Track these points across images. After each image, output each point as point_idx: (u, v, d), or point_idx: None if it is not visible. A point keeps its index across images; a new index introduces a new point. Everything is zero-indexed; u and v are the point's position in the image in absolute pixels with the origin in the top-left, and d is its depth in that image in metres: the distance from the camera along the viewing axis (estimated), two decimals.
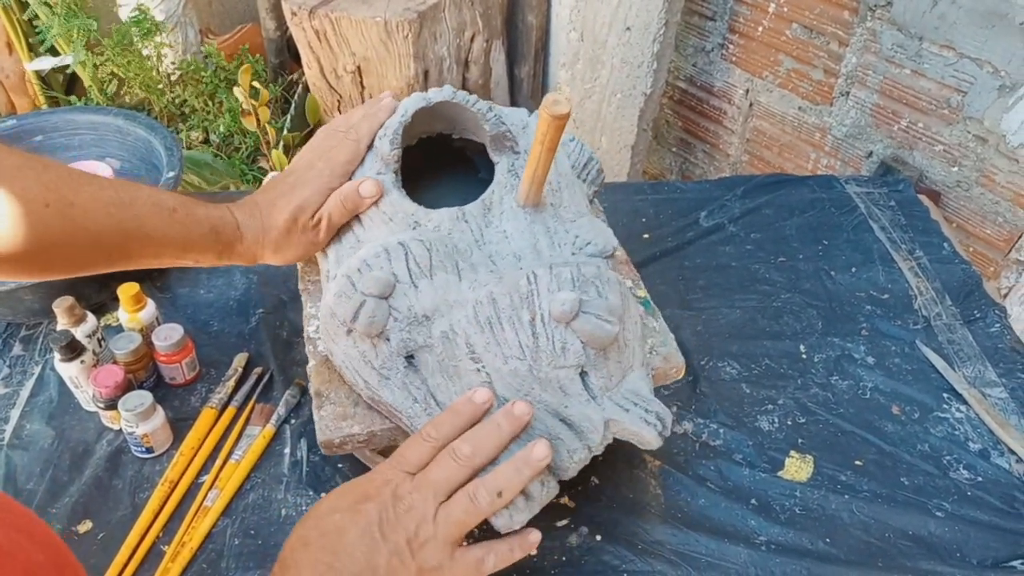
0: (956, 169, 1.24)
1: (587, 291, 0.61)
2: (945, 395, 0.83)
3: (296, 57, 1.86)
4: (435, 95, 0.70)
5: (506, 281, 0.62)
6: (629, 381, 0.63)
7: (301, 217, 0.68)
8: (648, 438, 0.60)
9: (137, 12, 1.89)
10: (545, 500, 0.58)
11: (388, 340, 0.61)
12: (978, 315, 0.92)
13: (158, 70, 1.97)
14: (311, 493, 0.71)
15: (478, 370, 0.60)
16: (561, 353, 0.60)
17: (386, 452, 0.69)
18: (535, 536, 0.57)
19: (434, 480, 0.54)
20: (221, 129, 2.00)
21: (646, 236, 1.03)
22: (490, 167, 0.71)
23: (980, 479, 0.75)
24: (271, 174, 0.78)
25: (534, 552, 0.57)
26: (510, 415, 0.56)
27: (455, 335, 0.60)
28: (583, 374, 0.61)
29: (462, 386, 0.60)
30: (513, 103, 1.85)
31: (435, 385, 0.61)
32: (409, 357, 0.62)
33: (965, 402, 0.82)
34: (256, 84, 1.60)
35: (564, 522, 0.70)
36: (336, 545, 0.51)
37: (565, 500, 0.71)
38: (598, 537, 0.68)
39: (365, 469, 0.71)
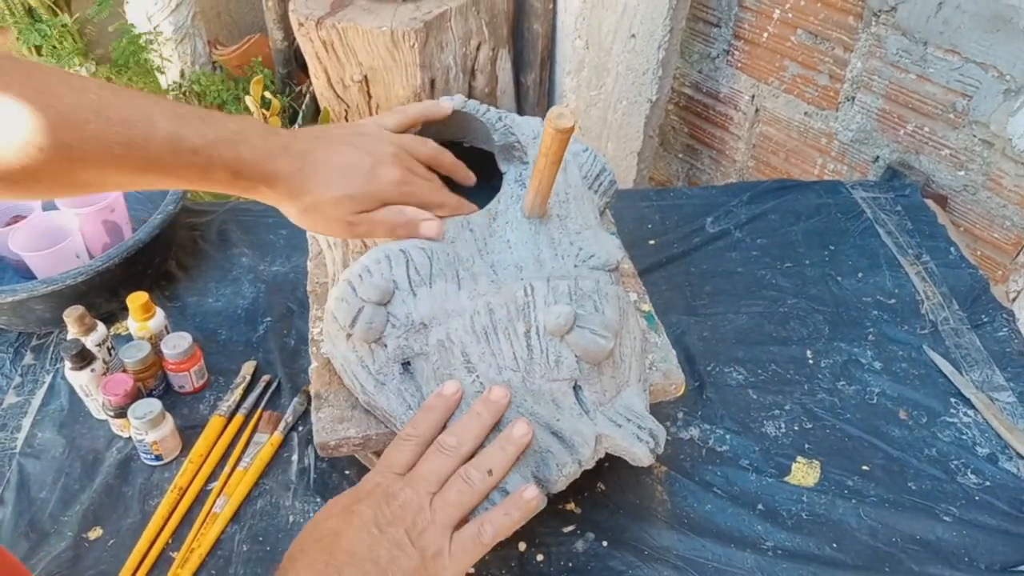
0: (963, 173, 1.23)
1: (584, 305, 0.61)
2: (952, 400, 0.83)
3: (303, 67, 1.87)
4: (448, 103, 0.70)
5: (503, 292, 0.62)
6: (624, 397, 0.63)
7: (348, 207, 0.63)
8: (639, 455, 0.60)
9: (127, 33, 1.89)
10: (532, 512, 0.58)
11: (385, 346, 0.62)
12: (986, 319, 0.92)
13: (170, 85, 1.98)
14: (318, 500, 0.71)
15: (472, 380, 0.60)
16: (555, 366, 0.60)
17: None
18: (531, 492, 0.55)
19: (425, 473, 0.55)
20: None
21: (652, 242, 1.03)
22: (501, 175, 0.72)
23: (988, 483, 0.75)
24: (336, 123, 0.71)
25: (539, 508, 0.55)
26: (487, 402, 0.58)
27: (451, 344, 0.61)
28: (576, 388, 0.61)
29: None
30: (519, 111, 1.86)
31: (429, 393, 0.61)
32: (406, 364, 0.62)
33: (973, 406, 0.82)
34: (267, 94, 1.62)
35: (570, 528, 0.70)
36: (333, 546, 0.51)
37: (571, 506, 0.71)
38: (604, 543, 0.69)
39: None
